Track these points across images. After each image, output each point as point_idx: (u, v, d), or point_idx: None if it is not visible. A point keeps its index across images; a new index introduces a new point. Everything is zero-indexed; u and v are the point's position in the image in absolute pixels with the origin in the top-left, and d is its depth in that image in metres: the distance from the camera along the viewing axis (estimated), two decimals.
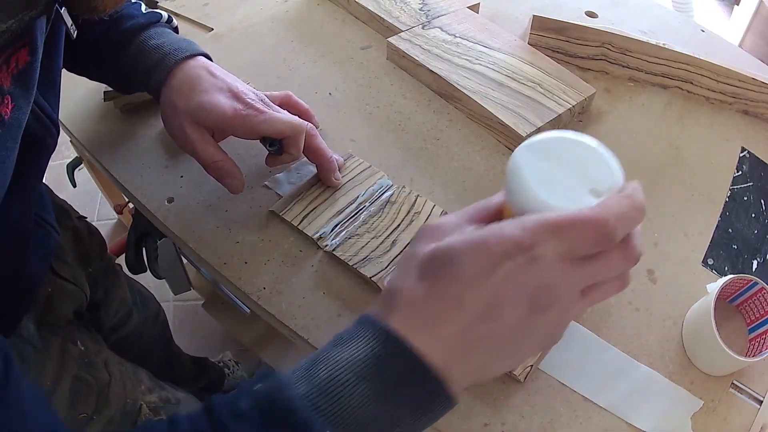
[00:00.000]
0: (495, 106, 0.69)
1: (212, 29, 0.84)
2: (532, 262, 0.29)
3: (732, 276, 0.53)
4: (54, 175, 1.73)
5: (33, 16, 0.35)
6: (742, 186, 0.68)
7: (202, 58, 0.58)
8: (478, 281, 0.29)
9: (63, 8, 0.43)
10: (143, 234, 0.87)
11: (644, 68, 0.77)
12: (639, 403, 0.51)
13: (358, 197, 0.62)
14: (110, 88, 0.72)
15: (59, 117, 0.49)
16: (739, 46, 1.46)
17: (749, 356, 0.52)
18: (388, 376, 0.30)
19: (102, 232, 0.84)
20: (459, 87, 0.71)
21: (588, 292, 0.32)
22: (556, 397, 0.51)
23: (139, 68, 0.57)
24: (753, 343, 0.54)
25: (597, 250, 0.30)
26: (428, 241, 0.33)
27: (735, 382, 0.52)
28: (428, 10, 0.82)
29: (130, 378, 0.72)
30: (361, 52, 0.80)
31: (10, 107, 0.36)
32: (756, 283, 0.53)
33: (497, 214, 0.36)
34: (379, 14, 0.81)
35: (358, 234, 0.59)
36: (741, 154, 0.71)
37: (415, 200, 0.62)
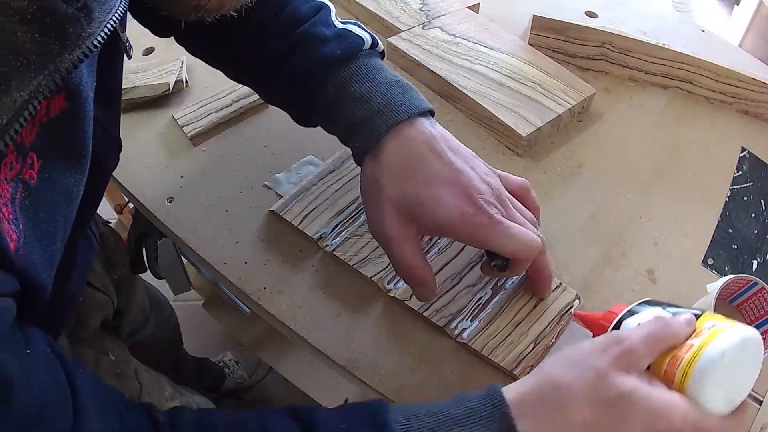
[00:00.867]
0: (495, 106, 0.69)
1: None
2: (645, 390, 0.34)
3: (732, 276, 0.53)
4: None
5: (86, 51, 0.29)
6: (742, 186, 0.68)
7: (424, 123, 0.45)
8: (588, 394, 0.34)
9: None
10: (143, 234, 0.87)
11: (644, 68, 0.77)
12: None
13: (358, 197, 0.62)
14: None
15: None
16: (739, 46, 1.46)
17: None
18: None
19: None
20: (459, 87, 0.71)
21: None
22: None
23: (338, 121, 0.47)
24: None
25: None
26: (623, 370, 0.35)
27: None
28: (428, 10, 0.82)
29: (155, 386, 0.72)
30: None
31: (36, 168, 0.30)
32: (756, 283, 0.53)
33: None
34: (379, 14, 0.81)
35: (358, 234, 0.59)
36: (741, 154, 0.71)
37: None
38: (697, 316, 0.39)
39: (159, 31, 0.56)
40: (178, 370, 1.03)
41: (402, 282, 0.56)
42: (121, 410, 0.34)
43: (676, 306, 0.41)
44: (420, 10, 0.82)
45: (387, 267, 0.57)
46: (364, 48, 0.48)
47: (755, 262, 0.62)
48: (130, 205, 1.19)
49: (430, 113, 0.48)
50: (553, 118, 0.68)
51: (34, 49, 0.26)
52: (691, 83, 0.76)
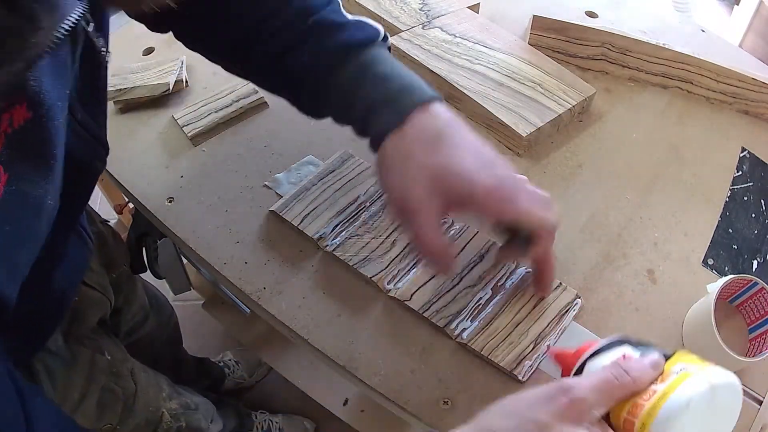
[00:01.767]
0: (495, 106, 0.69)
1: None
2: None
3: (732, 276, 0.53)
4: None
5: (29, 61, 0.28)
6: (742, 186, 0.68)
7: (442, 107, 0.46)
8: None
9: (90, 24, 0.37)
10: (143, 234, 0.87)
11: (644, 68, 0.77)
12: None
13: (358, 197, 0.62)
14: (110, 88, 0.72)
15: None
16: (739, 46, 1.46)
17: (749, 356, 0.52)
18: None
19: None
20: (459, 87, 0.71)
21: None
22: None
23: (356, 103, 0.46)
24: (753, 343, 0.54)
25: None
26: (571, 421, 0.33)
27: None
28: (428, 10, 0.82)
29: (152, 385, 0.71)
30: None
31: (3, 180, 0.29)
32: (756, 283, 0.53)
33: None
34: (379, 14, 0.81)
35: (358, 234, 0.59)
36: (741, 154, 0.71)
37: None
38: (668, 357, 0.36)
39: (154, 26, 0.53)
40: (177, 371, 1.03)
41: (402, 282, 0.56)
42: None
43: (647, 345, 0.38)
44: (420, 10, 0.82)
45: (387, 267, 0.57)
46: (379, 39, 0.48)
47: (755, 262, 0.62)
48: (130, 205, 1.19)
49: (438, 97, 0.48)
50: (553, 118, 0.68)
51: None
52: (691, 83, 0.76)
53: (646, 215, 0.64)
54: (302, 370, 1.08)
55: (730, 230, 0.64)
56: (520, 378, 0.51)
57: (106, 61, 0.42)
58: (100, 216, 0.77)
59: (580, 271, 0.59)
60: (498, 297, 0.55)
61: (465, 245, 0.58)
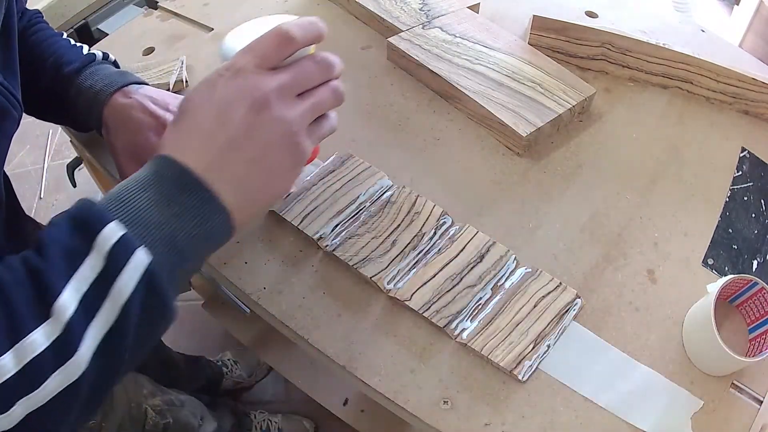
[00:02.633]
0: (495, 106, 0.69)
1: (212, 29, 0.84)
2: (236, 73, 0.38)
3: (732, 276, 0.53)
4: (54, 175, 1.73)
5: None
6: (742, 186, 0.68)
7: (133, 89, 0.58)
8: (204, 100, 0.38)
9: None
10: None
11: (644, 68, 0.77)
12: (639, 403, 0.51)
13: (358, 197, 0.62)
14: None
15: None
16: (739, 46, 1.46)
17: (749, 356, 0.52)
18: (164, 185, 0.36)
19: None
20: (459, 87, 0.71)
21: (304, 96, 0.40)
22: (556, 397, 0.51)
23: (79, 111, 0.59)
24: (753, 343, 0.54)
25: (284, 56, 0.39)
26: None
27: (735, 382, 0.52)
28: (428, 10, 0.82)
29: (131, 382, 0.72)
30: (361, 52, 0.80)
31: None
32: (756, 283, 0.53)
33: None
34: (379, 14, 0.81)
35: (358, 234, 0.59)
36: (741, 154, 0.71)
37: (415, 200, 0.62)
38: None
39: None
40: (165, 370, 1.03)
41: (402, 282, 0.56)
42: None
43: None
44: (420, 10, 0.82)
45: (387, 267, 0.57)
46: (96, 60, 0.61)
47: (755, 262, 0.62)
48: None
49: (137, 82, 0.60)
50: (553, 118, 0.68)
51: None
52: (691, 83, 0.76)
53: (646, 215, 0.64)
54: (302, 370, 1.08)
55: (730, 230, 0.64)
56: (520, 378, 0.51)
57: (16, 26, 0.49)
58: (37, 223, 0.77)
59: (580, 271, 0.59)
60: (498, 297, 0.55)
61: (465, 245, 0.58)
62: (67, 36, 0.63)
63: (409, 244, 0.58)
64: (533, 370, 0.51)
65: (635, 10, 0.90)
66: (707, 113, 0.76)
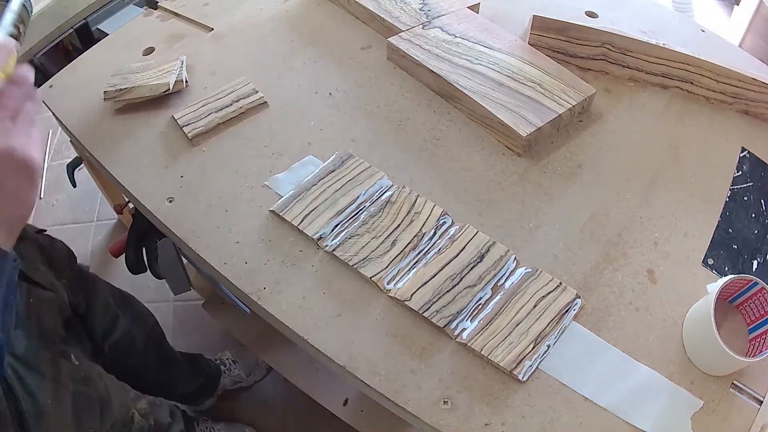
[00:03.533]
0: (495, 106, 0.69)
1: (212, 29, 0.84)
2: None
3: (732, 276, 0.53)
4: (54, 175, 1.73)
5: None
6: (742, 186, 0.68)
7: None
8: None
9: None
10: (143, 234, 0.87)
11: (644, 68, 0.77)
12: (639, 403, 0.51)
13: (358, 197, 0.62)
14: (110, 88, 0.72)
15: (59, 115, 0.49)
16: (739, 46, 1.46)
17: (749, 356, 0.52)
18: None
19: (102, 232, 0.84)
20: (459, 87, 0.71)
21: (16, 117, 0.43)
22: (556, 397, 0.51)
23: None
24: (753, 343, 0.54)
25: None
26: None
27: (735, 382, 0.52)
28: (428, 10, 0.82)
29: (119, 386, 0.72)
30: (361, 52, 0.80)
31: None
32: (756, 283, 0.53)
33: None
34: (379, 14, 0.81)
35: (358, 234, 0.59)
36: (741, 154, 0.71)
37: (415, 200, 0.62)
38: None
39: None
40: (168, 367, 1.03)
41: (402, 282, 0.56)
42: None
43: None
44: (420, 10, 0.82)
45: (387, 267, 0.57)
46: None
47: (755, 262, 0.62)
48: (130, 205, 1.19)
49: None
50: (553, 118, 0.68)
51: None
52: (691, 83, 0.76)
53: (646, 215, 0.64)
54: (302, 370, 1.08)
55: (730, 230, 0.64)
56: (520, 378, 0.51)
57: None
58: (34, 227, 0.77)
59: (580, 271, 0.59)
60: (498, 297, 0.55)
61: (465, 245, 0.58)
62: (68, 36, 0.62)
63: (409, 244, 0.58)
64: (533, 370, 0.51)
65: (635, 10, 0.90)
66: (707, 113, 0.76)
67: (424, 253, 0.58)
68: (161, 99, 0.73)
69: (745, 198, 0.67)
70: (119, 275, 1.27)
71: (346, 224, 0.60)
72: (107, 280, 0.86)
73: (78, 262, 0.79)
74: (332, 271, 0.58)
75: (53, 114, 0.75)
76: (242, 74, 0.75)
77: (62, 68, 0.80)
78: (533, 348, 0.52)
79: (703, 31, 0.90)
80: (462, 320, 0.54)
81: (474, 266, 0.57)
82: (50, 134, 1.85)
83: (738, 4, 1.76)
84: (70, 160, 1.21)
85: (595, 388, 0.51)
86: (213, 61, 0.79)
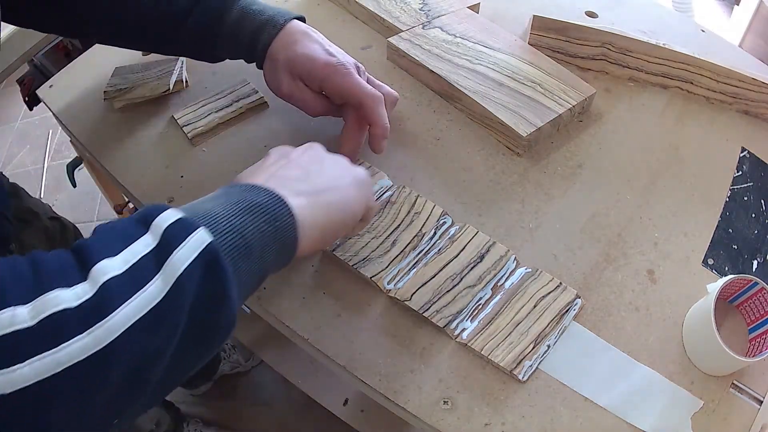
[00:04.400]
0: (495, 106, 0.69)
1: None
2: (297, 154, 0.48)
3: (732, 276, 0.53)
4: (54, 175, 1.73)
5: None
6: (742, 186, 0.68)
7: (302, 23, 0.62)
8: (274, 159, 0.47)
9: None
10: None
11: (644, 68, 0.77)
12: (639, 403, 0.51)
13: None
14: (110, 88, 0.72)
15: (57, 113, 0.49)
16: (739, 46, 1.46)
17: (749, 356, 0.52)
18: (233, 192, 0.38)
19: None
20: (459, 87, 0.71)
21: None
22: (556, 397, 0.51)
23: (244, 32, 0.60)
24: (753, 343, 0.54)
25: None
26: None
27: (735, 382, 0.52)
28: (428, 10, 0.82)
29: None
30: (361, 52, 0.80)
31: None
32: (756, 283, 0.53)
33: None
34: (379, 14, 0.81)
35: (358, 234, 0.59)
36: (741, 154, 0.71)
37: (415, 200, 0.62)
38: None
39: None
40: None
41: (402, 282, 0.56)
42: None
43: None
44: (420, 10, 0.82)
45: (387, 267, 0.57)
46: None
47: (755, 262, 0.62)
48: (130, 205, 1.19)
49: (303, 20, 0.63)
50: (553, 118, 0.68)
51: None
52: (691, 83, 0.76)
53: (646, 215, 0.64)
54: (302, 370, 1.08)
55: (730, 230, 0.64)
56: (520, 378, 0.51)
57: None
58: (53, 213, 0.77)
59: (580, 271, 0.59)
60: (498, 297, 0.55)
61: (465, 245, 0.58)
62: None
63: (409, 244, 0.58)
64: (533, 370, 0.51)
65: (635, 10, 0.90)
66: (707, 113, 0.76)
67: (424, 253, 0.58)
68: (161, 99, 0.73)
69: (745, 198, 0.67)
70: None
71: None
72: None
73: None
74: (332, 271, 0.58)
75: (53, 114, 0.75)
76: (242, 74, 0.75)
77: (62, 68, 0.80)
78: (533, 348, 0.52)
79: (703, 31, 0.90)
80: (462, 320, 0.54)
81: (474, 266, 0.57)
82: (50, 134, 1.85)
83: (738, 4, 1.76)
84: (70, 160, 1.22)
85: (595, 388, 0.51)
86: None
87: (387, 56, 0.79)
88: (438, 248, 0.58)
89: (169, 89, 0.72)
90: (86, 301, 0.28)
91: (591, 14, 0.88)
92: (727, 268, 0.61)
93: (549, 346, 0.53)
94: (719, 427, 0.50)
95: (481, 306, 0.55)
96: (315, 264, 0.58)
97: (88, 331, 0.27)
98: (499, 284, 0.56)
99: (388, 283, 0.56)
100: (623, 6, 0.90)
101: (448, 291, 0.55)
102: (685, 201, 0.66)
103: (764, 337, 0.52)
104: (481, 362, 0.53)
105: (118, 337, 0.27)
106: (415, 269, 0.57)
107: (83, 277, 0.29)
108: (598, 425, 0.50)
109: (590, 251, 0.61)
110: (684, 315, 0.56)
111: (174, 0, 0.59)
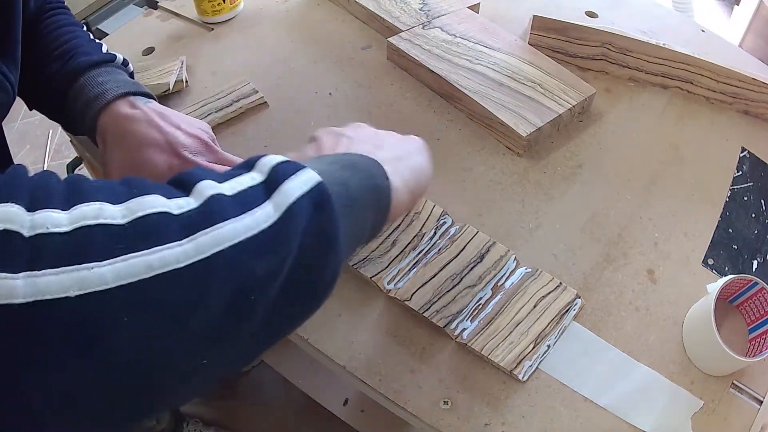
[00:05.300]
0: (495, 106, 0.69)
1: (212, 29, 0.84)
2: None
3: (732, 276, 0.53)
4: None
5: None
6: (742, 186, 0.68)
7: (141, 100, 0.53)
8: (332, 138, 0.45)
9: None
10: None
11: (644, 68, 0.77)
12: (639, 403, 0.51)
13: None
14: None
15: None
16: (739, 46, 1.46)
17: (749, 356, 0.52)
18: (327, 156, 0.38)
19: None
20: (459, 87, 0.71)
21: None
22: (556, 397, 0.51)
23: (76, 108, 0.53)
24: (753, 343, 0.54)
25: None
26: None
27: (735, 382, 0.52)
28: (428, 10, 0.82)
29: None
30: (361, 52, 0.80)
31: None
32: (756, 283, 0.53)
33: None
34: (379, 14, 0.81)
35: None
36: (741, 154, 0.71)
37: None
38: None
39: None
40: None
41: (402, 282, 0.56)
42: None
43: None
44: (420, 10, 0.82)
45: (387, 267, 0.57)
46: (116, 61, 0.57)
47: (755, 262, 0.62)
48: None
49: (146, 95, 0.55)
50: (553, 118, 0.68)
51: None
52: (691, 83, 0.76)
53: (646, 215, 0.64)
54: (302, 370, 1.08)
55: (730, 230, 0.64)
56: (520, 378, 0.51)
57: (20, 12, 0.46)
58: None
59: (580, 271, 0.59)
60: (498, 297, 0.55)
61: (465, 245, 0.58)
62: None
63: (409, 244, 0.58)
64: (533, 370, 0.51)
65: (635, 10, 0.90)
66: (707, 113, 0.76)
67: (424, 253, 0.58)
68: (161, 99, 0.73)
69: (745, 198, 0.67)
70: None
71: None
72: None
73: None
74: None
75: None
76: (242, 74, 0.75)
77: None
78: (533, 348, 0.52)
79: (703, 31, 0.90)
80: (462, 320, 0.54)
81: (474, 266, 0.57)
82: (50, 134, 1.85)
83: (738, 4, 1.76)
84: (70, 160, 1.21)
85: (595, 388, 0.51)
86: (213, 61, 0.78)
87: (387, 56, 0.79)
88: (438, 248, 0.58)
89: (169, 89, 0.72)
90: (191, 209, 0.25)
91: (591, 14, 0.88)
92: (727, 268, 0.61)
93: (549, 346, 0.53)
94: (719, 427, 0.50)
95: (481, 306, 0.55)
96: None
97: (190, 237, 0.24)
98: (499, 284, 0.56)
99: (388, 283, 0.56)
100: (623, 6, 0.90)
101: (448, 291, 0.55)
102: (685, 201, 0.66)
103: (764, 337, 0.52)
104: (481, 362, 0.53)
105: (224, 249, 0.24)
106: (415, 269, 0.57)
107: (185, 193, 0.26)
108: (598, 425, 0.50)
109: (590, 251, 0.61)
110: (684, 315, 0.56)
111: (48, 63, 0.54)
